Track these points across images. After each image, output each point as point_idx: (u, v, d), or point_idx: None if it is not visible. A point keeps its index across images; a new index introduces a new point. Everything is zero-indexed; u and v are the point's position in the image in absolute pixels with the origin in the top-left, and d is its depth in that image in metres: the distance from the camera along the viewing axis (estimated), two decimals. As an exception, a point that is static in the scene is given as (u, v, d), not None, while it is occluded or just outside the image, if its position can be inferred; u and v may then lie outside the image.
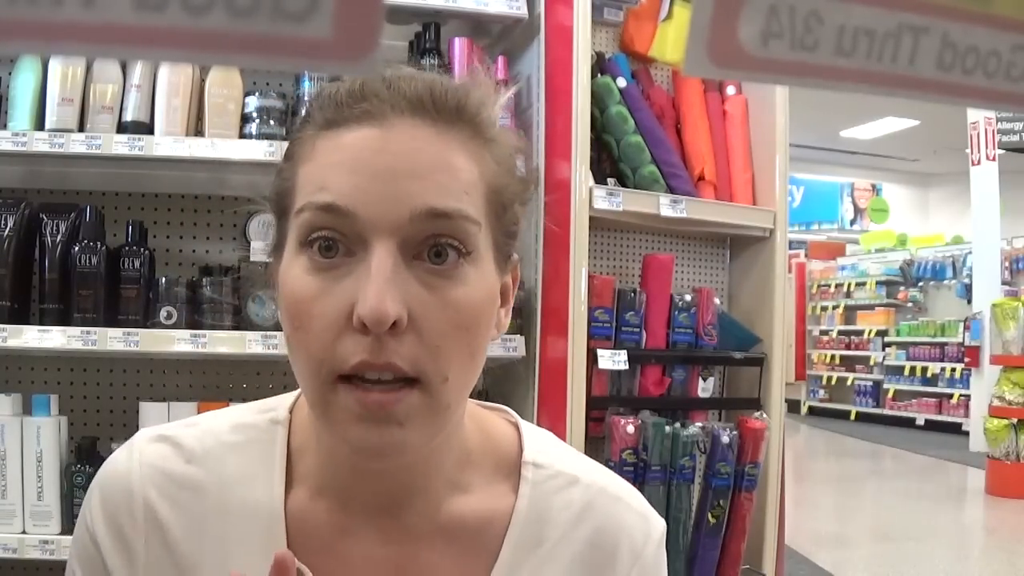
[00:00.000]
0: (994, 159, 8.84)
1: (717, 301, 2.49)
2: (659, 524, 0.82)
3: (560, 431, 2.13)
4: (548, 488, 0.79)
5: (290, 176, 0.71)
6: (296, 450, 0.78)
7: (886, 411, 12.12)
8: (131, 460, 0.77)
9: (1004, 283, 9.68)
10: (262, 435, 0.78)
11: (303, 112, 0.73)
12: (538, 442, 0.82)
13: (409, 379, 0.66)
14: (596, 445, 2.31)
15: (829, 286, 13.42)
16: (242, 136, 2.13)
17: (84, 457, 2.06)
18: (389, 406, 0.65)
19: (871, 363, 12.52)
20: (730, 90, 2.54)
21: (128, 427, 2.21)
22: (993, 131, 8.79)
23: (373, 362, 0.65)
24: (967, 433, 9.78)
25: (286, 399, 0.81)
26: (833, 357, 13.09)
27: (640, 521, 0.81)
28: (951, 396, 11.05)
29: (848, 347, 12.93)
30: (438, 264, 0.67)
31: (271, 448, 0.77)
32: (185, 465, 0.76)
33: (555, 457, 0.82)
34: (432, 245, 0.67)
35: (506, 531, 0.77)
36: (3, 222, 2.03)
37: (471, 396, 0.77)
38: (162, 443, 0.77)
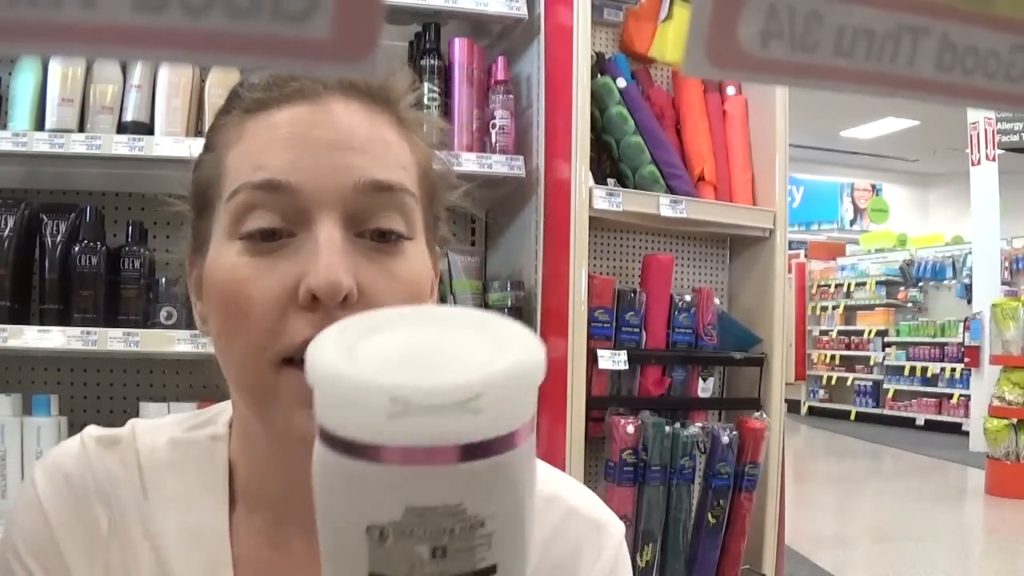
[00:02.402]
0: (994, 159, 8.85)
1: (717, 301, 2.49)
2: (616, 528, 0.76)
3: (560, 431, 2.13)
4: None
5: (214, 164, 0.68)
6: (232, 465, 0.73)
7: (886, 411, 12.12)
8: (85, 458, 0.72)
9: (1004, 283, 9.68)
10: (202, 453, 0.73)
11: (225, 101, 0.72)
12: None
13: None
14: (596, 445, 2.32)
15: (829, 286, 13.42)
16: (242, 136, 2.13)
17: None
18: None
19: (871, 363, 12.52)
20: (730, 90, 2.54)
21: (128, 427, 2.21)
22: (993, 131, 8.80)
23: None
24: (967, 433, 9.78)
25: (223, 411, 0.77)
26: (833, 357, 13.09)
27: (595, 532, 0.75)
28: (951, 396, 11.06)
29: (848, 347, 12.93)
30: (382, 241, 0.65)
31: (212, 466, 0.73)
32: (127, 477, 0.72)
33: None
34: (376, 222, 0.64)
35: None
36: (3, 222, 2.03)
37: None
38: (110, 449, 0.73)
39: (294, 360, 0.61)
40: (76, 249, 2.03)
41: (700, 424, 2.35)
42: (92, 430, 0.75)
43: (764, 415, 2.42)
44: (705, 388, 2.44)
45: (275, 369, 0.62)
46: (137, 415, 2.11)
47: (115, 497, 0.70)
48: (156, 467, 0.72)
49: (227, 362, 0.66)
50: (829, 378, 13.17)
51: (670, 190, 2.32)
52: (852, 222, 15.16)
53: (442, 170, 0.74)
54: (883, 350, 12.27)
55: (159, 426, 0.76)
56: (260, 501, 0.72)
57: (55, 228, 2.05)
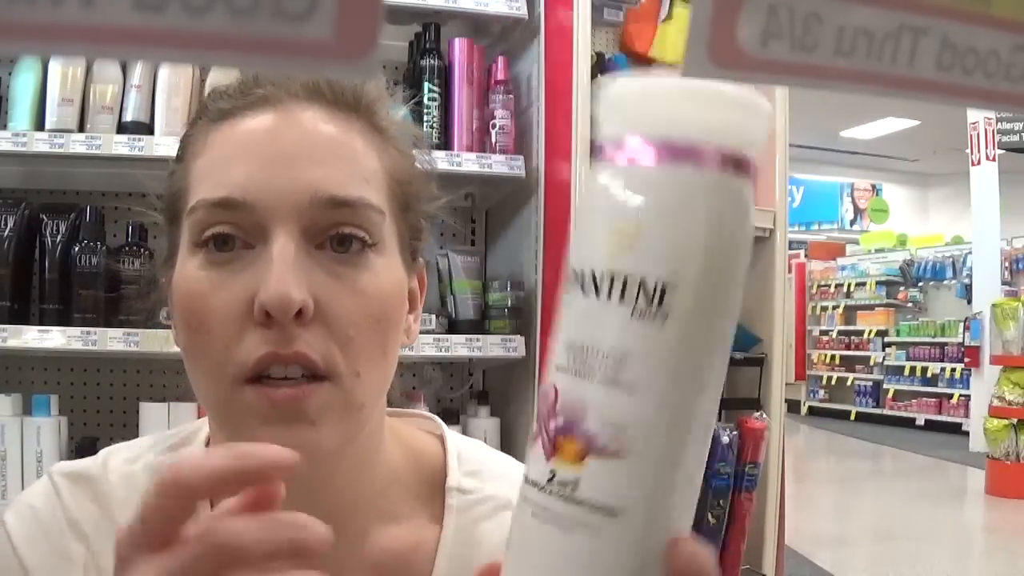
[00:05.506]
0: (994, 159, 8.84)
1: (717, 301, 2.48)
2: None
3: (560, 431, 2.13)
4: (476, 515, 0.73)
5: (183, 176, 0.67)
6: None
7: (886, 411, 12.12)
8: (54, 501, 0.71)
9: (1004, 283, 9.67)
10: None
11: (196, 109, 0.71)
12: (465, 461, 0.75)
13: (319, 376, 0.61)
14: (596, 445, 2.31)
15: (829, 286, 13.41)
16: (242, 136, 2.13)
17: (84, 457, 2.05)
18: (300, 400, 0.60)
19: (871, 363, 12.51)
20: (730, 90, 2.54)
21: (128, 427, 2.21)
22: (993, 131, 8.79)
23: (280, 352, 0.59)
24: (967, 433, 9.78)
25: (200, 429, 0.75)
26: (833, 357, 13.09)
27: None
28: (951, 396, 11.05)
29: (848, 347, 12.93)
30: (342, 252, 0.62)
31: None
32: (101, 513, 0.70)
33: (484, 477, 0.75)
34: (335, 234, 0.62)
35: (433, 566, 0.71)
36: (3, 222, 2.03)
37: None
38: (80, 485, 0.71)
39: (256, 379, 0.60)
40: (76, 249, 2.03)
41: (700, 424, 2.35)
42: (60, 466, 0.73)
43: (764, 415, 2.41)
44: (705, 388, 2.44)
45: (236, 389, 0.61)
46: (137, 415, 2.11)
47: (91, 532, 0.69)
48: (132, 498, 0.69)
49: (193, 379, 0.65)
50: (829, 378, 13.16)
51: (670, 190, 2.32)
52: (852, 222, 15.15)
53: (420, 180, 0.71)
54: (883, 350, 12.27)
55: (133, 453, 0.74)
56: None
57: (55, 228, 2.05)
